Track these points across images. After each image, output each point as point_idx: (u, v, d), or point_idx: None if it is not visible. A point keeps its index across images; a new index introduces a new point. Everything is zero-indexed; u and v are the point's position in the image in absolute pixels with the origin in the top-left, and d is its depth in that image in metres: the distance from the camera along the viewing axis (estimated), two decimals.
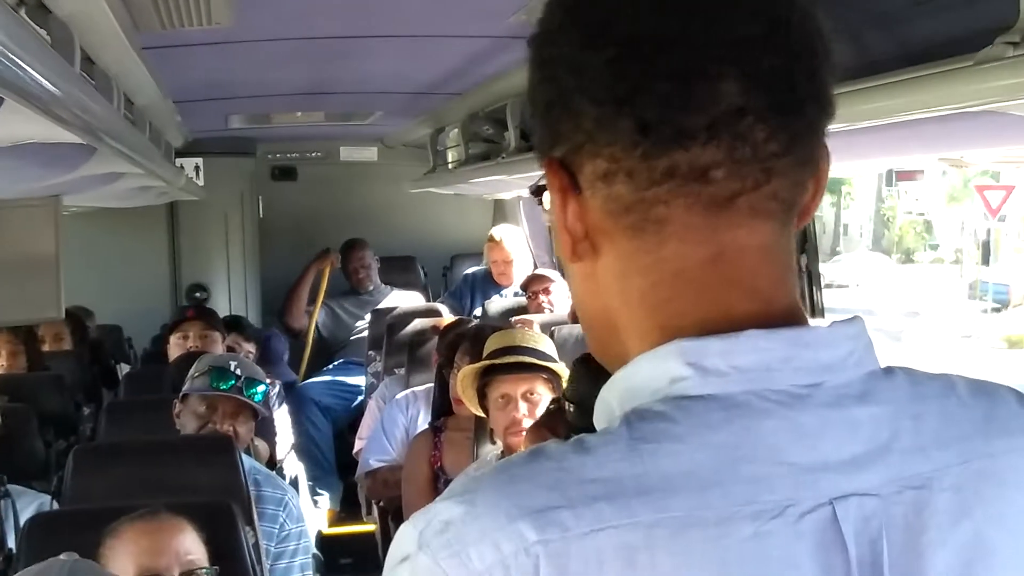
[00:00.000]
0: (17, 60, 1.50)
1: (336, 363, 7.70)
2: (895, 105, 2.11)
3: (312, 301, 7.85)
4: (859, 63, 2.40)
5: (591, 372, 1.29)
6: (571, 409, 1.32)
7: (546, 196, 1.05)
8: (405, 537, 0.92)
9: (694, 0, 0.96)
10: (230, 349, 5.60)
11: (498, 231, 7.51)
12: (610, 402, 0.99)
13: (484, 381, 3.85)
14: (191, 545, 2.83)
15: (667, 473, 0.89)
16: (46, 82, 1.73)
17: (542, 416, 1.29)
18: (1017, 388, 1.05)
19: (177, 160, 7.00)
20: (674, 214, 0.96)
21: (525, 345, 3.86)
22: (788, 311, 0.98)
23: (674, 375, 0.94)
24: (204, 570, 2.81)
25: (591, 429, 1.02)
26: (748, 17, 0.95)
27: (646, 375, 0.96)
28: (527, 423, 3.66)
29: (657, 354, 0.96)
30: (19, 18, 2.04)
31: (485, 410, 3.88)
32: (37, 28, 2.35)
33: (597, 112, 0.96)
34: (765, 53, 0.95)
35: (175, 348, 5.55)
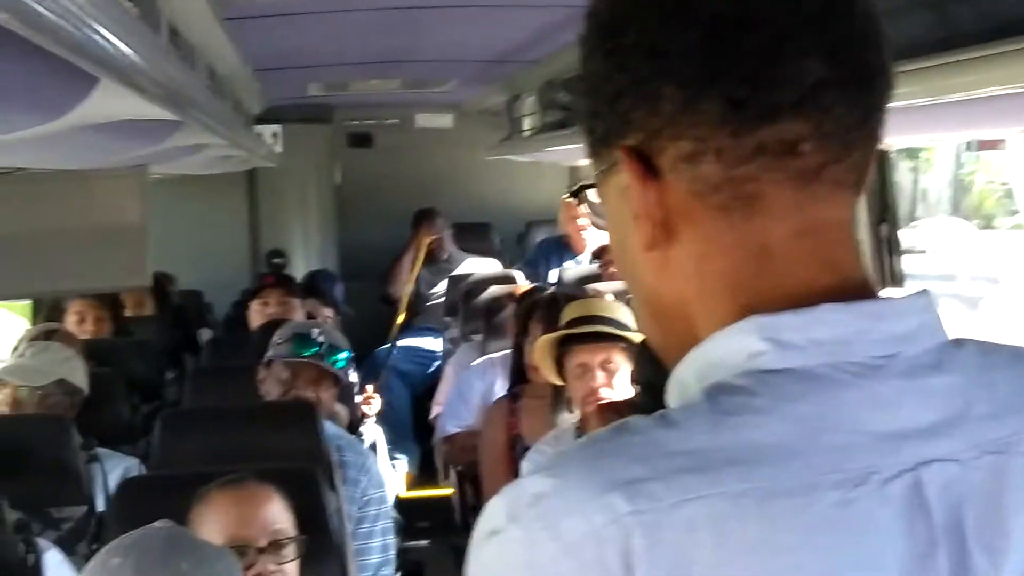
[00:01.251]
0: (110, 37, 1.53)
1: (413, 329, 7.76)
2: (980, 80, 2.10)
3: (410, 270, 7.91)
4: (944, 36, 2.38)
5: (656, 355, 1.30)
6: (638, 391, 1.31)
7: (592, 194, 1.08)
8: (494, 511, 0.93)
9: None
10: (309, 315, 5.66)
11: (574, 195, 7.50)
12: (686, 380, 1.00)
13: (561, 350, 3.87)
14: (278, 514, 2.87)
15: (751, 444, 0.91)
16: (137, 57, 1.76)
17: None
18: None
19: (256, 127, 7.07)
20: (763, 190, 0.97)
21: (602, 315, 3.87)
22: (861, 284, 1.00)
23: (752, 350, 0.95)
24: (291, 539, 2.86)
25: (657, 410, 1.04)
26: None
27: (724, 351, 0.97)
28: (605, 392, 3.68)
29: (734, 330, 0.97)
30: None
31: (562, 379, 3.90)
32: (125, 2, 2.40)
33: (682, 94, 0.97)
34: (841, 27, 0.98)
35: (256, 315, 5.63)
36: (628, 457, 0.91)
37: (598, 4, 1.04)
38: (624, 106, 1.00)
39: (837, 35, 0.98)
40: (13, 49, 1.27)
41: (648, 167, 1.00)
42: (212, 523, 2.77)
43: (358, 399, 5.35)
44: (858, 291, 0.99)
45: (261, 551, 2.79)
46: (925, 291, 1.01)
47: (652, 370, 1.31)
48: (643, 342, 1.32)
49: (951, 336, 1.01)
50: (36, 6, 1.12)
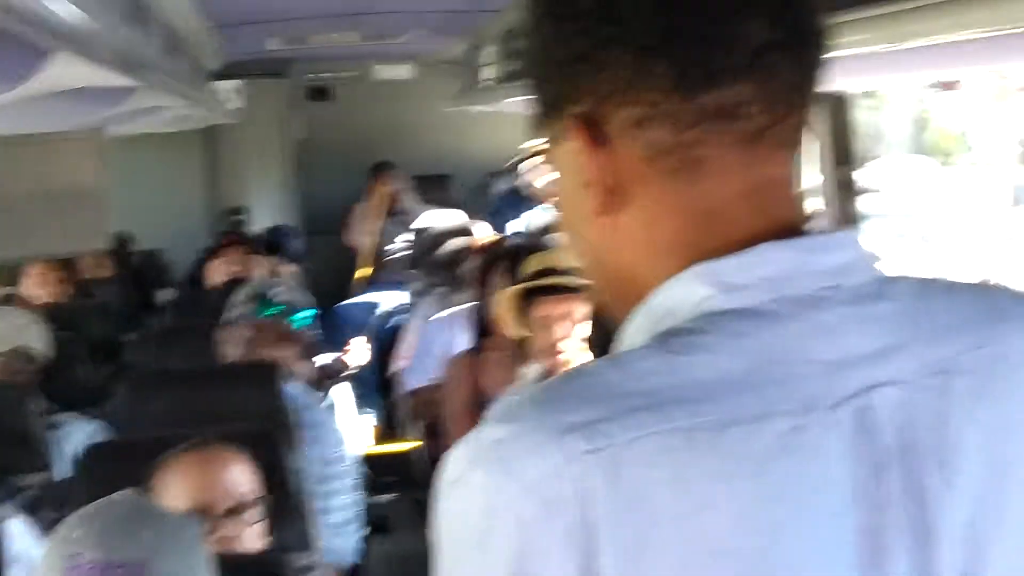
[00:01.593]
0: (64, 6, 1.51)
1: (374, 284, 7.74)
2: (941, 25, 2.09)
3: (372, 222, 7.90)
4: None
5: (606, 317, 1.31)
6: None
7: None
8: (454, 461, 0.95)
9: None
10: (271, 273, 5.64)
11: (536, 142, 7.47)
12: (637, 332, 1.02)
13: (524, 303, 3.85)
14: (240, 477, 2.85)
15: (702, 380, 0.94)
16: (93, 25, 1.74)
17: None
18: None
19: (215, 84, 7.01)
20: (712, 152, 1.00)
21: (564, 266, 3.86)
22: (794, 225, 1.02)
23: (700, 295, 0.98)
24: (253, 503, 2.85)
25: None
26: None
27: (672, 300, 1.00)
28: (568, 343, 3.67)
29: (681, 279, 0.99)
30: None
31: (525, 331, 3.89)
32: None
33: (635, 59, 0.99)
34: None
35: (216, 273, 5.59)
36: (582, 399, 0.94)
37: None
38: (575, 72, 1.01)
39: (776, 1, 1.01)
40: None
41: (598, 133, 1.01)
42: (175, 489, 2.75)
43: (333, 355, 5.37)
44: (796, 233, 1.01)
45: (224, 515, 2.78)
46: (856, 228, 1.05)
47: (603, 334, 1.32)
48: (595, 308, 1.34)
49: (896, 272, 1.06)
50: None
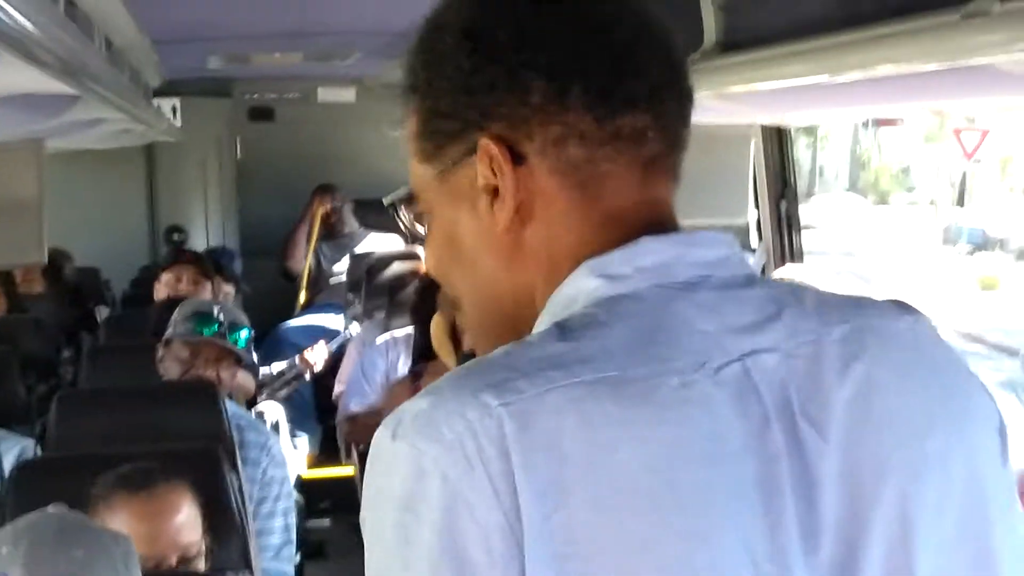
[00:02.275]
0: (5, 6, 1.49)
1: (315, 305, 7.70)
2: (879, 58, 2.12)
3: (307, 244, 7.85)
4: (844, 14, 2.40)
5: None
6: None
7: (405, 205, 1.27)
8: (378, 439, 1.03)
9: None
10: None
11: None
12: (543, 336, 1.09)
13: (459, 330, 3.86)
14: (187, 523, 2.81)
15: (600, 347, 1.04)
16: (33, 27, 1.72)
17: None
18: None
19: (154, 100, 6.96)
20: (616, 170, 1.13)
21: None
22: (675, 226, 1.17)
23: (589, 288, 1.10)
24: (199, 553, 2.81)
25: None
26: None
27: (566, 296, 1.11)
28: None
29: (576, 274, 1.11)
30: None
31: (459, 358, 3.89)
32: None
33: (551, 86, 1.11)
34: (668, 41, 1.18)
35: (164, 288, 5.54)
36: (493, 367, 1.04)
37: (454, 12, 1.16)
38: (489, 98, 1.12)
39: (667, 48, 1.17)
40: None
41: (514, 153, 1.12)
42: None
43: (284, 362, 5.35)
44: (673, 230, 1.16)
45: (172, 564, 2.75)
46: (729, 230, 1.18)
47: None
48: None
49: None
50: None
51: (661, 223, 1.14)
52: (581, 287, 1.10)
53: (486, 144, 1.12)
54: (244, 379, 4.54)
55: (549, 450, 0.98)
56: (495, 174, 1.12)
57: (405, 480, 0.99)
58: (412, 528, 0.98)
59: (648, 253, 1.11)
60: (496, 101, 1.12)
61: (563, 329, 1.06)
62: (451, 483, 0.98)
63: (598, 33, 1.12)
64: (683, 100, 1.18)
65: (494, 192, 1.13)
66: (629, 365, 1.03)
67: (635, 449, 1.00)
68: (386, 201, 1.30)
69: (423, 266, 5.95)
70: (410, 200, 1.27)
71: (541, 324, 1.12)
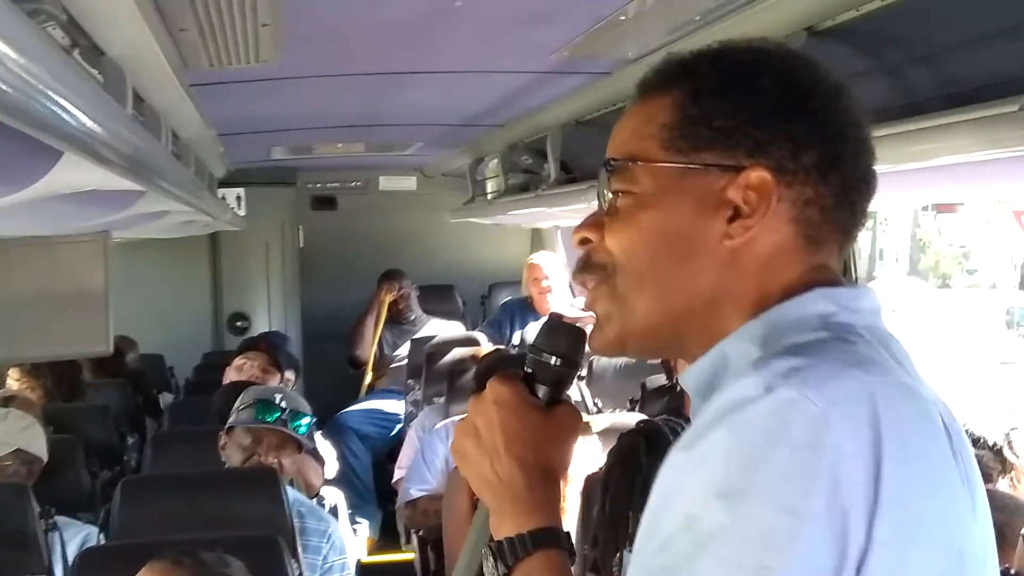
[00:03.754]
0: (75, 111, 1.53)
1: (375, 391, 7.73)
2: (940, 148, 2.13)
3: (373, 330, 7.89)
4: (903, 103, 2.42)
5: (569, 330, 1.45)
6: (552, 362, 1.42)
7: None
8: (746, 386, 1.15)
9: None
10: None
11: (537, 256, 7.52)
12: (737, 347, 1.25)
13: None
14: None
15: (880, 358, 1.21)
16: (101, 130, 1.76)
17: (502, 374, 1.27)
18: None
19: (219, 190, 7.06)
20: (832, 238, 1.31)
21: None
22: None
23: (822, 311, 1.25)
24: None
25: (565, 379, 1.43)
26: None
27: (796, 315, 1.25)
28: None
29: (803, 300, 1.26)
30: (73, 63, 2.08)
31: None
32: (90, 69, 2.40)
33: (824, 158, 1.27)
34: None
35: (234, 372, 5.59)
36: (839, 352, 1.19)
37: (780, 59, 1.31)
38: (772, 141, 1.26)
39: None
40: None
41: (776, 191, 1.27)
42: None
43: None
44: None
45: None
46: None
47: (569, 344, 1.44)
48: (552, 321, 1.48)
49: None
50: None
51: (839, 280, 1.32)
52: (815, 309, 1.26)
53: (762, 175, 1.26)
54: (309, 465, 4.56)
55: (900, 429, 1.14)
56: (744, 197, 1.26)
57: (790, 423, 1.11)
58: (811, 466, 1.10)
59: (866, 297, 1.29)
60: (775, 144, 1.26)
61: (839, 338, 1.21)
62: (843, 437, 1.11)
63: (865, 144, 1.31)
64: None
65: (733, 210, 1.27)
66: (908, 377, 1.22)
67: (941, 449, 1.19)
68: (607, 158, 1.35)
69: (481, 351, 5.96)
70: (621, 171, 1.32)
71: (752, 331, 1.25)
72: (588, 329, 1.42)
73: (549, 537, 1.36)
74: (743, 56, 1.31)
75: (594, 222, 1.35)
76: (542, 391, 1.43)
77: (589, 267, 1.35)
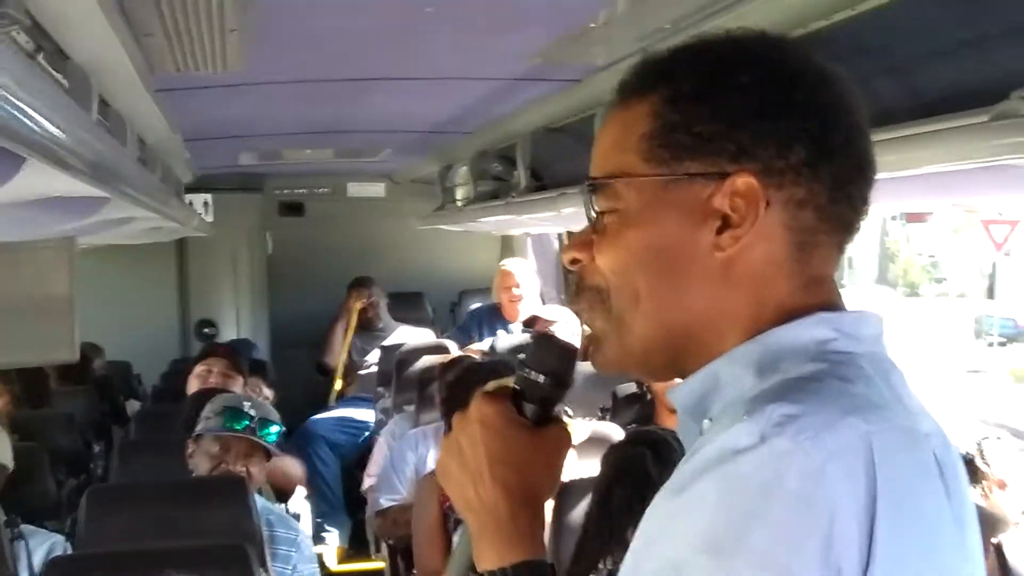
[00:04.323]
0: (38, 118, 1.51)
1: (345, 399, 7.71)
2: (909, 159, 2.12)
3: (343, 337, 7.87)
4: (872, 113, 2.41)
5: (560, 347, 1.41)
6: (542, 380, 1.38)
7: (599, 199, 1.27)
8: (739, 434, 1.09)
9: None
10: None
11: (508, 262, 7.52)
12: (742, 366, 1.20)
13: None
14: None
15: (879, 397, 1.16)
16: (65, 135, 1.74)
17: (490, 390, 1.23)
18: None
19: (186, 196, 7.03)
20: (826, 243, 1.25)
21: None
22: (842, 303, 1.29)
23: (821, 338, 1.20)
24: None
25: (554, 398, 1.38)
26: None
27: (792, 341, 1.20)
28: None
29: (805, 322, 1.21)
30: (37, 68, 2.06)
31: None
32: (55, 74, 2.37)
33: (812, 154, 1.20)
34: None
35: (196, 380, 5.56)
36: (834, 395, 1.13)
37: (757, 54, 1.25)
38: (756, 141, 1.21)
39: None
40: None
41: (765, 194, 1.21)
42: None
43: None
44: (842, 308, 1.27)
45: None
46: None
47: (557, 361, 1.40)
48: (540, 337, 1.45)
49: None
50: None
51: (839, 299, 1.27)
52: (814, 335, 1.20)
53: (748, 181, 1.20)
54: (285, 461, 4.51)
55: (895, 482, 1.09)
56: (732, 205, 1.21)
57: (794, 476, 1.06)
58: (805, 521, 1.06)
59: (867, 324, 1.23)
60: (760, 145, 1.20)
61: (836, 376, 1.16)
62: (837, 489, 1.07)
63: (859, 129, 1.25)
64: None
65: (722, 219, 1.21)
66: (909, 419, 1.16)
67: (935, 494, 1.15)
68: (586, 178, 1.29)
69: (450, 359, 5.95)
70: (603, 189, 1.27)
71: (747, 354, 1.20)
72: (558, 336, 1.39)
73: (532, 571, 1.32)
74: (721, 53, 1.25)
75: (582, 241, 1.29)
76: (530, 410, 1.38)
77: (583, 290, 1.30)
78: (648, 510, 1.14)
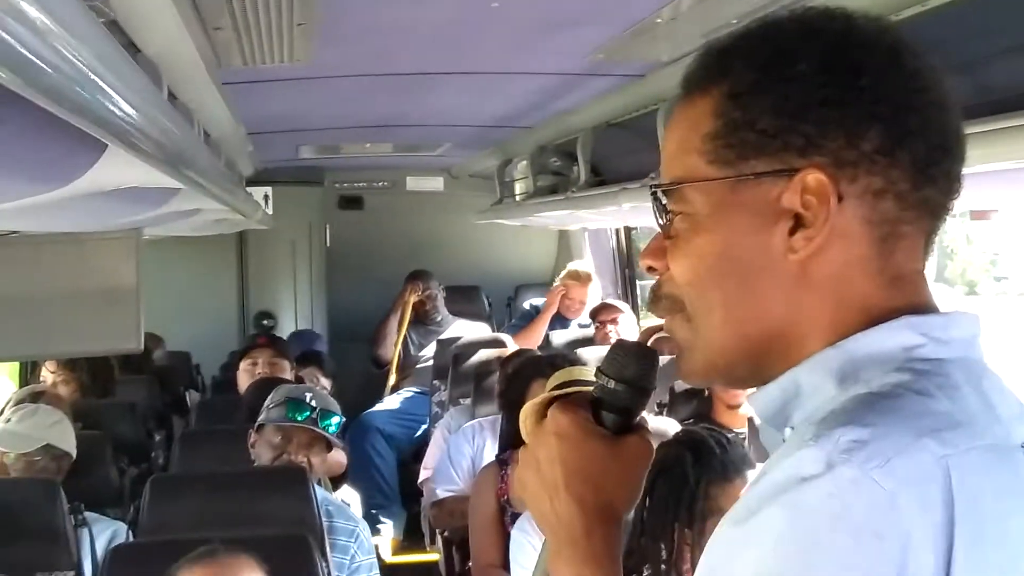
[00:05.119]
0: (119, 98, 1.53)
1: (401, 391, 7.74)
2: (976, 156, 2.11)
3: (397, 331, 7.89)
4: None
5: (642, 354, 1.34)
6: (619, 388, 1.34)
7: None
8: (804, 461, 1.03)
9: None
10: (300, 381, 5.64)
11: (584, 268, 7.53)
12: (822, 375, 1.14)
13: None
14: None
15: (964, 411, 1.08)
16: (144, 120, 1.76)
17: (567, 399, 1.21)
18: None
19: (247, 189, 7.09)
20: (911, 234, 1.17)
21: (588, 379, 3.85)
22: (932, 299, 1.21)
23: (907, 344, 1.12)
24: None
25: (634, 407, 1.31)
26: None
27: (876, 347, 1.13)
28: None
29: (887, 328, 1.13)
30: (119, 54, 2.09)
31: None
32: (131, 62, 2.40)
33: (889, 138, 1.13)
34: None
35: (244, 375, 5.61)
36: (912, 414, 1.06)
37: (817, 42, 1.16)
38: (823, 132, 1.13)
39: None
40: (22, 115, 1.26)
41: (838, 187, 1.14)
42: None
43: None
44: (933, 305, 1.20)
45: None
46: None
47: (638, 369, 1.33)
48: (618, 344, 1.39)
49: None
50: (42, 64, 1.09)
51: (928, 295, 1.19)
52: (899, 341, 1.13)
53: (816, 176, 1.13)
54: (336, 453, 4.55)
55: (974, 507, 1.03)
56: (803, 203, 1.14)
57: (855, 507, 1.01)
58: (876, 554, 1.00)
59: (959, 325, 1.16)
60: (827, 136, 1.13)
61: (917, 391, 1.09)
62: (909, 520, 1.00)
63: (939, 106, 1.16)
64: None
65: (794, 218, 1.15)
66: (998, 435, 1.09)
67: (1017, 512, 1.06)
68: (651, 185, 1.24)
69: (508, 352, 5.96)
70: (672, 194, 1.22)
71: (827, 361, 1.15)
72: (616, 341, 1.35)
73: None
74: (779, 40, 1.17)
75: (656, 248, 1.24)
76: (609, 419, 1.32)
77: (660, 299, 1.25)
78: (711, 538, 1.10)
